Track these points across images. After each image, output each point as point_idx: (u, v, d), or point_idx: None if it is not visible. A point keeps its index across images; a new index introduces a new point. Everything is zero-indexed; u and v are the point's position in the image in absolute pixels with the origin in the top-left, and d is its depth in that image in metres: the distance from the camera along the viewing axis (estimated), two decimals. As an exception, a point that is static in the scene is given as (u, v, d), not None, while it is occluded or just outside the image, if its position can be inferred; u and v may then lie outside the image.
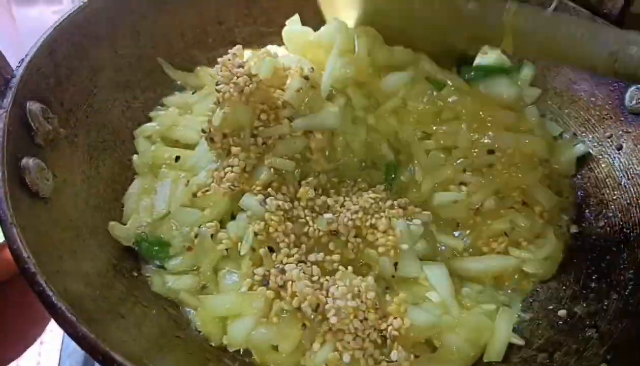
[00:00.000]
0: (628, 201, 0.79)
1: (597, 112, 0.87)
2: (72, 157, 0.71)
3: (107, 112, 0.80)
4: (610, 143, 0.85)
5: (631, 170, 0.81)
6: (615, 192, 0.81)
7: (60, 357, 0.86)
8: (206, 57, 0.95)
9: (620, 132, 0.84)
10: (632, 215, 0.77)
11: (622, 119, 0.84)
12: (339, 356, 0.60)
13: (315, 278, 0.63)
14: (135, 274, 0.69)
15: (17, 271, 1.32)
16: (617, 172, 0.82)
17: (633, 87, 0.82)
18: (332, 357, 0.60)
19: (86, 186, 0.72)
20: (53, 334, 1.27)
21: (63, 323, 0.45)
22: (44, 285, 0.47)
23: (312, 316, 0.60)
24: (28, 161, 0.61)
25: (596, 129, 0.87)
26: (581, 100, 0.89)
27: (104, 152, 0.78)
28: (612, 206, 0.80)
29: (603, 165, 0.84)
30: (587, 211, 0.83)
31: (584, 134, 0.88)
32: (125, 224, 0.72)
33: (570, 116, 0.90)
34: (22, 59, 0.67)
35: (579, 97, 0.90)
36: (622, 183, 0.81)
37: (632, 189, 0.80)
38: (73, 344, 0.88)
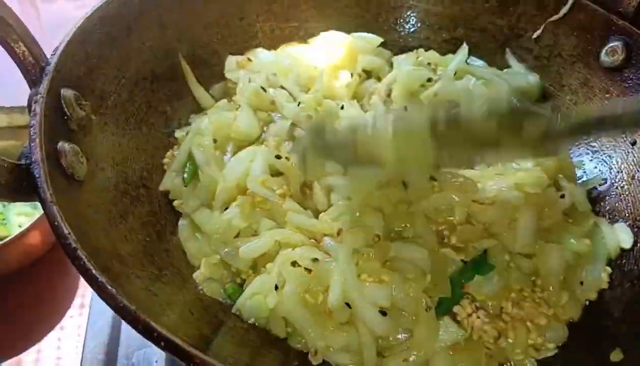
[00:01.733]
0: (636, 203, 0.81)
1: (612, 109, 0.89)
2: (102, 144, 0.73)
3: (134, 101, 0.82)
4: (624, 139, 0.86)
5: (645, 166, 0.83)
6: (630, 187, 0.83)
7: (85, 338, 0.88)
8: (228, 51, 0.97)
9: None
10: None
11: (636, 115, 0.85)
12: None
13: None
14: (165, 256, 0.71)
15: (31, 262, 1.33)
16: (631, 167, 0.84)
17: (648, 84, 0.84)
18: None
19: (115, 172, 0.74)
20: (73, 320, 1.30)
21: (104, 295, 0.47)
22: (85, 259, 0.49)
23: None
24: (64, 145, 0.63)
25: (611, 124, 0.88)
26: (596, 97, 0.91)
27: (130, 140, 0.80)
28: (628, 198, 0.82)
29: (619, 160, 0.86)
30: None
31: (597, 130, 0.90)
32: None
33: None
34: (57, 48, 0.69)
35: (594, 94, 0.91)
36: (636, 177, 0.83)
37: (643, 187, 0.81)
38: (97, 326, 0.91)
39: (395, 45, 1.05)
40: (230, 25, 0.97)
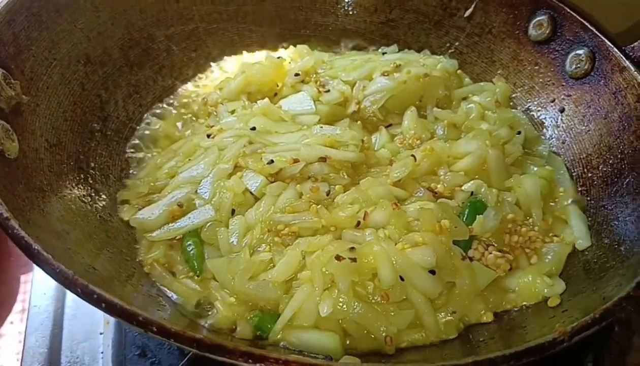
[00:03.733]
0: (571, 158, 0.85)
1: (541, 80, 0.93)
2: (34, 125, 0.70)
3: (67, 84, 0.80)
4: (554, 107, 0.91)
5: (573, 129, 0.87)
6: (560, 150, 0.87)
7: (25, 335, 0.83)
8: (164, 35, 0.96)
9: (562, 96, 0.90)
10: (575, 169, 0.84)
11: (563, 84, 0.90)
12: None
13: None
14: (105, 236, 0.69)
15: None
16: (561, 132, 0.89)
17: (572, 54, 0.89)
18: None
19: (49, 153, 0.71)
20: (13, 325, 1.23)
21: (40, 261, 0.45)
22: (17, 227, 0.47)
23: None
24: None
25: (540, 95, 0.93)
26: (526, 70, 0.96)
27: (65, 123, 0.77)
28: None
29: (548, 127, 0.90)
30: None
31: (529, 100, 0.94)
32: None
33: (517, 84, 0.96)
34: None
35: (524, 67, 0.96)
36: (566, 142, 0.87)
37: (574, 147, 0.86)
38: (38, 321, 0.86)
39: (335, 29, 1.06)
40: (166, 10, 0.96)
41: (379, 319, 0.60)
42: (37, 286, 0.87)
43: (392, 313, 0.61)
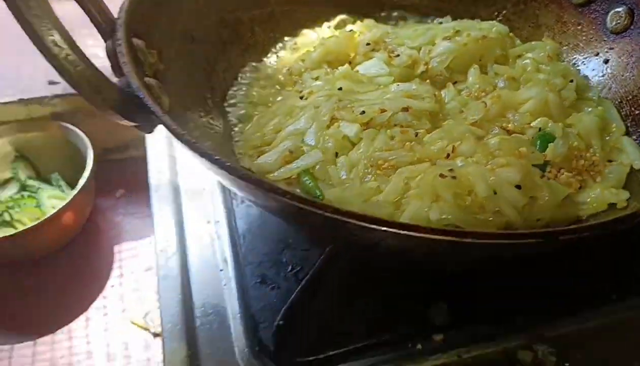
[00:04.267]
0: (619, 100, 0.98)
1: (584, 37, 1.06)
2: (170, 91, 0.84)
3: (182, 58, 0.93)
4: (598, 59, 1.03)
5: (618, 76, 1.00)
6: (608, 95, 1.00)
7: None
8: (248, 17, 1.10)
9: (606, 49, 1.02)
10: (623, 109, 0.96)
11: (605, 39, 1.03)
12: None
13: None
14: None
15: (67, 241, 1.42)
16: (607, 80, 1.01)
17: (612, 12, 1.01)
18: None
19: (185, 115, 0.85)
20: (114, 289, 1.38)
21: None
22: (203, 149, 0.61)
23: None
24: (150, 80, 0.74)
25: (585, 50, 1.06)
26: (569, 30, 1.08)
27: (185, 90, 0.91)
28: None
29: (594, 78, 1.03)
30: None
31: (575, 56, 1.07)
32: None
33: (562, 43, 1.09)
34: (122, 5, 0.80)
35: (568, 28, 1.09)
36: (612, 88, 1.00)
37: (620, 91, 0.98)
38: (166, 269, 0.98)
39: (394, 5, 1.20)
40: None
41: (477, 224, 0.73)
42: (159, 237, 1.00)
43: (490, 219, 0.74)
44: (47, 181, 1.46)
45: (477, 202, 0.75)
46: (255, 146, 0.91)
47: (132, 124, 0.70)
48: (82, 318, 1.29)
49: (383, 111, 0.88)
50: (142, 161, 1.65)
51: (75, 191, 1.29)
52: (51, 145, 1.45)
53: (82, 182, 1.30)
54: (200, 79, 0.97)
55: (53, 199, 1.38)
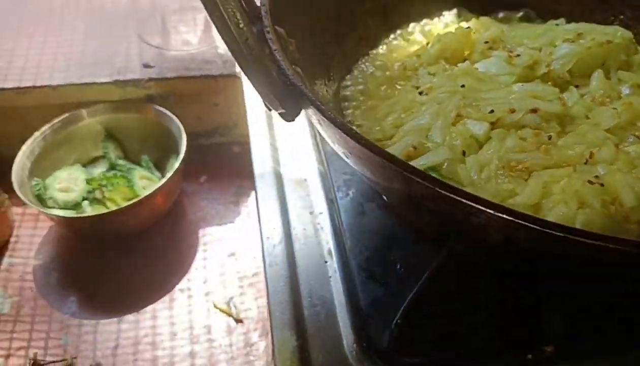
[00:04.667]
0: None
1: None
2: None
3: (306, 47, 0.93)
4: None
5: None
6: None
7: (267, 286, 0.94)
8: (361, 10, 1.09)
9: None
10: None
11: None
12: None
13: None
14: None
15: (156, 219, 1.45)
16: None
17: None
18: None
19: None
20: (197, 272, 1.39)
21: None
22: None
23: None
24: (297, 68, 0.74)
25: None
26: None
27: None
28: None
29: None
30: None
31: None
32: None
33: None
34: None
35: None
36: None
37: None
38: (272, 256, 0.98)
39: (508, 3, 1.17)
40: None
41: (622, 233, 0.70)
42: (266, 224, 1.00)
43: (633, 231, 0.71)
44: (136, 162, 1.49)
45: (621, 211, 0.72)
46: (376, 139, 0.89)
47: (282, 110, 0.70)
48: (166, 298, 1.31)
49: (512, 110, 0.85)
50: (227, 147, 1.67)
51: (169, 174, 1.30)
52: (143, 127, 1.47)
53: (175, 165, 1.31)
54: (320, 70, 0.96)
55: (144, 180, 1.40)
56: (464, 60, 1.03)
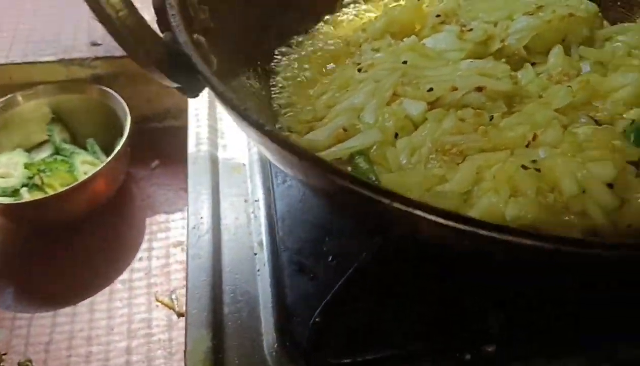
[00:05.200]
0: None
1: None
2: (218, 52, 0.75)
3: (233, 20, 0.84)
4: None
5: None
6: None
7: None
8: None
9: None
10: None
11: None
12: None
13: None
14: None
15: (97, 208, 1.36)
16: None
17: None
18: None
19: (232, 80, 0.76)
20: (142, 262, 1.32)
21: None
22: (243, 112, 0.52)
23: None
24: (199, 37, 0.66)
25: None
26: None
27: (234, 55, 0.82)
28: None
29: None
30: None
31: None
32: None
33: None
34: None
35: None
36: None
37: None
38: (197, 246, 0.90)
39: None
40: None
41: (560, 226, 0.62)
42: (193, 213, 0.92)
43: (572, 222, 0.63)
44: (82, 146, 1.41)
45: (560, 200, 0.64)
46: (305, 120, 0.81)
47: (176, 85, 0.62)
48: (106, 290, 1.23)
49: (454, 88, 0.77)
50: (181, 131, 1.57)
51: (109, 158, 1.23)
52: (89, 109, 1.40)
53: (116, 149, 1.23)
54: (252, 42, 0.88)
55: (86, 165, 1.32)
56: (415, 35, 0.95)
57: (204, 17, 0.72)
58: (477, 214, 0.63)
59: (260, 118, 0.73)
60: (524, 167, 0.63)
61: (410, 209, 0.45)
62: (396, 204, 0.46)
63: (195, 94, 0.67)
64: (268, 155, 0.63)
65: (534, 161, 0.65)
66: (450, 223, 0.44)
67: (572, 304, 0.74)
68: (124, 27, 0.54)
